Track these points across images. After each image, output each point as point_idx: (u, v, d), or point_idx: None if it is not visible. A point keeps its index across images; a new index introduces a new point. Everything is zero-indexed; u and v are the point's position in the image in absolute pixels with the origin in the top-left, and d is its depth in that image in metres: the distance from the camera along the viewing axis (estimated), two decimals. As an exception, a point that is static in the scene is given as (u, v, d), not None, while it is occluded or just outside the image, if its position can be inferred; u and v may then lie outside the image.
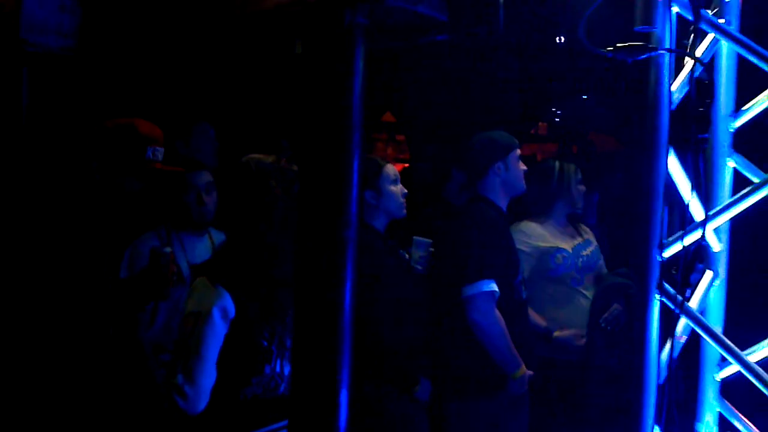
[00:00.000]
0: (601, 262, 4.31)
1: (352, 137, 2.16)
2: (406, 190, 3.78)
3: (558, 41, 5.77)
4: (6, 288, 2.61)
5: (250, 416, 2.72)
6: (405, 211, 3.77)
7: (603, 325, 4.05)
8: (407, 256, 3.92)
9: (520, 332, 3.72)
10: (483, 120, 5.12)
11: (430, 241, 3.88)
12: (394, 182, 3.74)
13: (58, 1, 2.77)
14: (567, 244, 4.20)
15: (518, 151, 3.92)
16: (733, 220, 2.55)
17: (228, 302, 2.64)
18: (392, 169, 3.82)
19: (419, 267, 3.83)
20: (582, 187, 4.31)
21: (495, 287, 3.60)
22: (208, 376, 2.63)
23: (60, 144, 2.82)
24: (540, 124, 7.07)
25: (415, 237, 3.91)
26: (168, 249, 2.99)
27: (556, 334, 4.09)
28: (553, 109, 5.26)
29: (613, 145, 6.46)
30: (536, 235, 4.19)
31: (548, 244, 4.19)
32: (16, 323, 2.59)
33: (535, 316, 4.08)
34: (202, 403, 2.61)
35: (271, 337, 2.70)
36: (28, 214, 2.68)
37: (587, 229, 4.41)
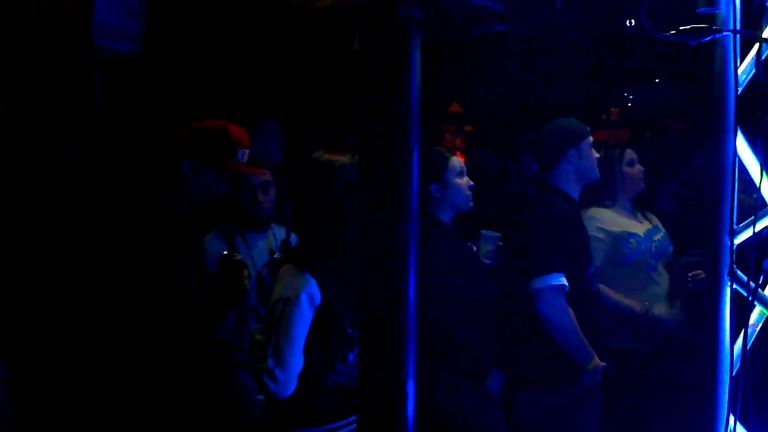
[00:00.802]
0: (672, 248, 4.23)
1: (411, 130, 2.17)
2: (472, 183, 3.76)
3: (629, 25, 5.65)
4: (79, 288, 2.69)
5: (336, 405, 2.78)
6: (472, 203, 3.75)
7: (690, 279, 3.97)
8: (475, 249, 3.90)
9: (592, 324, 3.67)
10: (553, 107, 5.05)
11: (499, 234, 3.86)
12: (460, 174, 3.72)
13: (124, 5, 2.84)
14: (639, 229, 4.14)
15: (591, 138, 3.84)
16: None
17: (314, 289, 2.73)
18: (458, 162, 3.80)
19: (487, 261, 3.82)
20: (634, 170, 4.24)
21: (564, 281, 3.56)
22: (298, 361, 2.72)
23: (133, 145, 2.90)
24: (612, 109, 6.93)
25: (483, 231, 3.89)
26: (238, 256, 3.05)
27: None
28: (625, 94, 5.15)
29: (687, 129, 6.31)
30: (608, 221, 4.13)
31: (621, 229, 4.14)
32: (92, 324, 2.68)
33: (623, 299, 4.02)
34: (292, 386, 2.70)
35: (354, 324, 2.76)
36: (100, 213, 2.77)
37: (653, 216, 4.34)
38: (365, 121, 2.31)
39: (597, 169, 3.79)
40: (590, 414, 3.72)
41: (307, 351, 2.73)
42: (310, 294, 2.73)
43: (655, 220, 4.33)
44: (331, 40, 2.40)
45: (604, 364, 3.63)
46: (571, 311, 3.56)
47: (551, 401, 3.65)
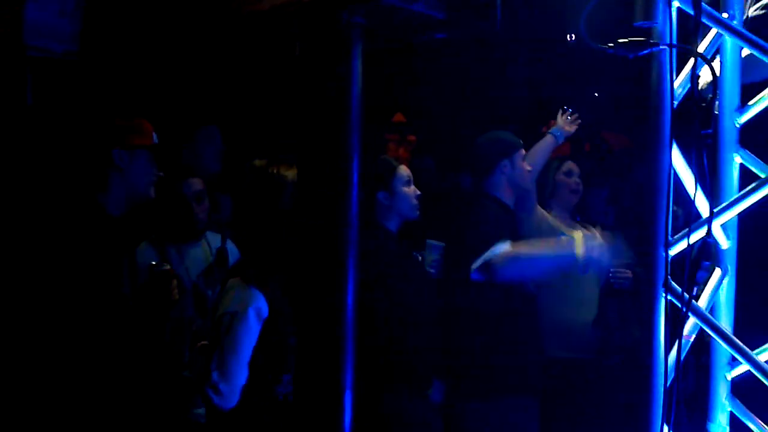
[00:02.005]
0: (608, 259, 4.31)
1: (352, 137, 2.15)
2: (419, 192, 3.80)
3: (569, 39, 5.75)
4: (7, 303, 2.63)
5: (284, 415, 2.77)
6: (418, 212, 3.78)
7: (611, 277, 4.07)
8: (420, 258, 3.92)
9: (528, 328, 3.72)
10: (493, 119, 5.12)
11: (443, 244, 3.89)
12: (407, 183, 3.76)
13: (59, 5, 2.78)
14: (573, 234, 4.25)
15: (523, 152, 3.97)
16: (742, 216, 2.52)
17: (262, 302, 2.75)
18: (405, 170, 3.83)
19: (432, 270, 3.84)
20: (570, 180, 4.36)
21: (497, 248, 3.58)
22: (242, 374, 2.74)
23: (65, 146, 2.84)
24: (551, 122, 7.03)
25: (428, 240, 3.92)
26: (167, 266, 3.00)
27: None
28: (564, 108, 5.25)
29: (626, 142, 6.43)
30: (545, 217, 4.24)
31: (555, 227, 4.27)
32: (18, 329, 2.61)
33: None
34: (235, 399, 2.72)
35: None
36: (31, 217, 2.71)
37: (594, 230, 4.43)
38: (306, 128, 2.28)
39: (529, 181, 3.95)
40: (529, 424, 3.75)
41: (253, 364, 2.73)
42: (257, 308, 2.76)
43: (594, 232, 4.40)
44: (271, 45, 2.37)
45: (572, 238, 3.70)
46: (513, 251, 3.56)
47: (493, 409, 3.67)
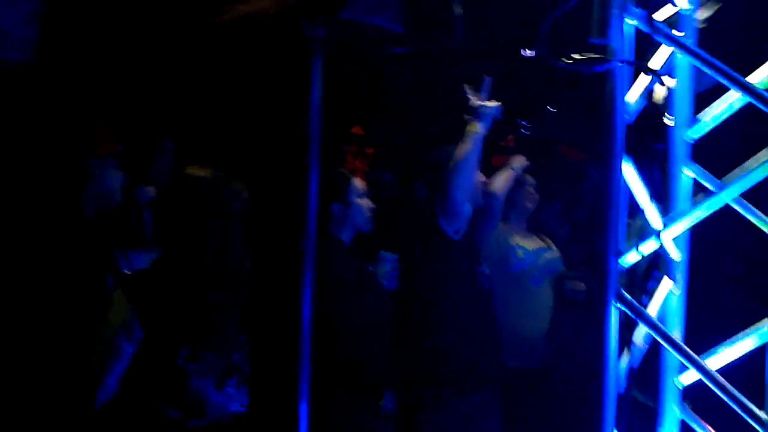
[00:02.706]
0: (563, 270, 4.39)
1: (311, 148, 2.17)
2: (373, 204, 3.81)
3: (523, 53, 5.82)
4: None
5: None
6: (372, 224, 3.80)
7: (567, 291, 4.12)
8: (373, 269, 3.94)
9: (482, 322, 3.77)
10: (450, 133, 5.16)
11: (396, 256, 3.91)
12: (362, 195, 3.77)
13: (15, 14, 2.75)
14: (528, 244, 4.33)
15: None
16: (693, 228, 2.58)
17: (135, 322, 2.65)
18: (360, 183, 3.84)
19: (385, 281, 3.85)
20: (525, 191, 4.42)
21: None
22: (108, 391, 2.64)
23: (19, 159, 2.82)
24: (508, 136, 7.13)
25: (381, 252, 3.93)
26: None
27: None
28: (520, 121, 5.32)
29: (580, 156, 6.53)
30: (502, 230, 4.27)
31: (511, 241, 4.34)
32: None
33: None
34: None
35: (190, 357, 2.69)
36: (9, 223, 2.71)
37: (549, 241, 4.50)
38: (265, 139, 2.29)
39: (479, 194, 3.95)
40: (486, 424, 3.79)
41: (130, 381, 2.67)
42: (128, 327, 2.67)
43: (550, 244, 4.48)
44: (233, 56, 2.38)
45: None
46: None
47: (446, 414, 3.70)
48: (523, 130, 5.58)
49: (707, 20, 2.70)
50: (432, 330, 3.74)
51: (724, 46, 2.60)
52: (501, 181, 4.18)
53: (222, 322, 2.69)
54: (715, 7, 2.71)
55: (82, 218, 2.81)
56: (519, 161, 4.30)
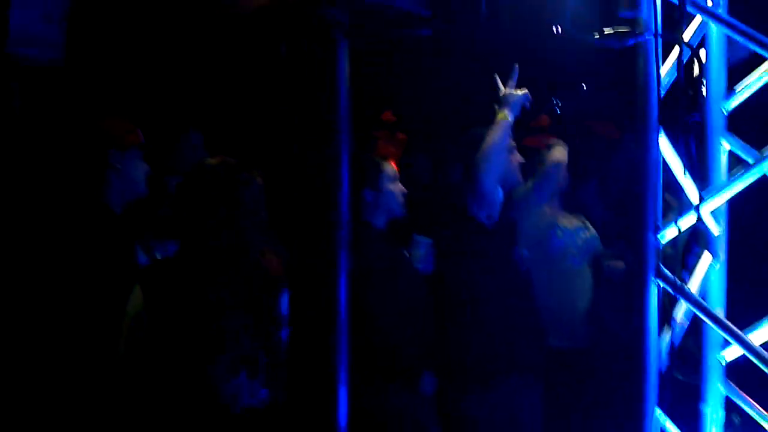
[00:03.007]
0: (600, 249, 4.33)
1: (341, 136, 2.16)
2: (405, 189, 3.80)
3: (555, 31, 5.74)
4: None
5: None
6: (405, 209, 3.79)
7: (606, 270, 4.08)
8: (408, 254, 3.93)
9: (524, 307, 3.73)
10: (483, 115, 5.11)
11: (431, 240, 3.89)
12: (394, 180, 3.76)
13: (43, 12, 2.78)
14: (565, 223, 4.26)
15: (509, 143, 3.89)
16: (732, 202, 2.53)
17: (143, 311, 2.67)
18: (391, 168, 3.83)
19: (420, 265, 3.84)
20: (558, 170, 4.35)
21: None
22: None
23: (54, 155, 2.86)
24: (541, 116, 7.05)
25: (415, 235, 3.92)
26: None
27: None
28: (553, 100, 5.24)
29: (614, 131, 6.44)
30: (540, 210, 4.24)
31: (549, 219, 4.26)
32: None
33: None
34: None
35: (198, 347, 2.69)
36: (37, 221, 2.75)
37: (584, 219, 4.44)
38: (294, 127, 2.29)
39: (517, 175, 3.87)
40: (528, 405, 3.76)
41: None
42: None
43: (586, 222, 4.42)
44: (258, 46, 2.37)
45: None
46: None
47: (486, 397, 3.67)
48: (556, 109, 5.48)
49: None
50: (466, 316, 3.72)
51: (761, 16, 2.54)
52: (559, 152, 4.13)
53: (231, 312, 2.68)
54: None
55: (108, 211, 2.84)
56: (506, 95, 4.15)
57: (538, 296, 3.99)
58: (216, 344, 2.65)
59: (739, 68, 2.53)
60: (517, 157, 3.91)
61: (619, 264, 4.15)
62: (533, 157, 4.37)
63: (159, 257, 3.35)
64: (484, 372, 3.67)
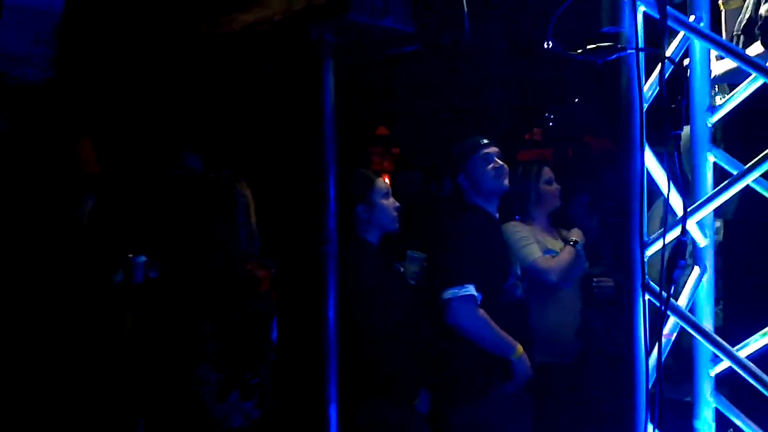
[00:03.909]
0: (587, 264, 4.33)
1: (327, 151, 2.17)
2: (398, 204, 3.81)
3: (545, 46, 5.77)
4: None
5: None
6: (398, 224, 3.80)
7: (594, 286, 4.15)
8: (402, 269, 3.93)
9: (515, 335, 3.73)
10: (476, 128, 5.15)
11: (424, 255, 3.90)
12: (386, 196, 3.78)
13: (34, 32, 2.80)
14: (555, 245, 4.24)
15: (484, 152, 3.89)
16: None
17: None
18: (384, 183, 3.85)
19: (413, 281, 3.85)
20: (551, 188, 4.35)
21: (473, 290, 3.64)
22: None
23: (41, 174, 2.88)
24: (534, 129, 7.11)
25: (408, 251, 3.93)
26: None
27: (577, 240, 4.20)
28: (546, 114, 5.28)
29: (608, 146, 6.47)
30: (525, 234, 4.21)
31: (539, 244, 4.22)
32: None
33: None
34: None
35: (189, 368, 2.67)
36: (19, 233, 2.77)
37: (575, 231, 4.43)
38: (280, 144, 2.30)
39: (496, 182, 3.86)
40: (520, 422, 3.75)
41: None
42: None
43: (577, 234, 4.41)
44: (244, 65, 2.39)
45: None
46: (480, 313, 3.64)
47: (479, 411, 3.67)
48: (549, 122, 5.51)
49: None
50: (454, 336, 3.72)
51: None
52: (560, 261, 4.15)
53: (221, 332, 2.67)
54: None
55: (85, 231, 2.85)
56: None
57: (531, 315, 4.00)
58: (208, 364, 2.65)
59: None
60: (496, 163, 3.89)
61: (607, 281, 4.15)
62: (528, 171, 4.38)
63: (151, 277, 3.35)
64: (476, 387, 3.67)
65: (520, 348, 3.67)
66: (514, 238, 4.14)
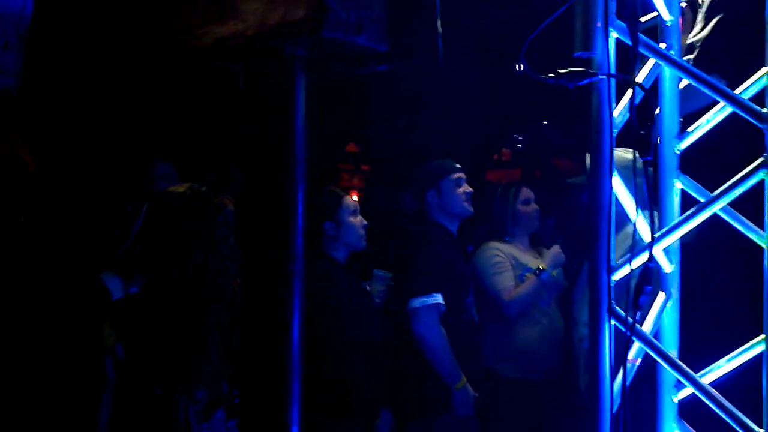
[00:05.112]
0: (567, 284, 4.36)
1: (297, 169, 2.15)
2: (366, 222, 3.81)
3: (518, 68, 5.81)
4: None
5: None
6: (365, 242, 3.80)
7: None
8: (368, 288, 3.93)
9: (467, 352, 3.78)
10: (444, 147, 5.18)
11: (390, 274, 3.92)
12: (354, 213, 3.78)
13: (2, 39, 2.76)
14: (534, 264, 4.28)
15: (455, 176, 4.02)
16: (684, 241, 2.56)
17: (119, 348, 2.60)
18: (352, 201, 3.86)
19: (378, 300, 3.85)
20: (529, 208, 4.41)
21: (440, 300, 3.69)
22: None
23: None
24: (503, 150, 7.17)
25: (375, 270, 3.94)
26: None
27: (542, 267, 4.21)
28: (515, 135, 5.32)
29: (575, 169, 6.54)
30: (506, 253, 4.26)
31: (518, 263, 4.29)
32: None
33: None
34: None
35: (172, 387, 2.61)
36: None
37: (554, 250, 4.47)
38: (250, 160, 2.28)
39: (464, 206, 3.98)
40: None
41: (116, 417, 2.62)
42: (114, 353, 2.62)
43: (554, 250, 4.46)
44: (215, 78, 2.37)
45: (475, 394, 3.76)
46: (443, 330, 3.69)
47: (427, 430, 3.70)
48: (517, 144, 5.56)
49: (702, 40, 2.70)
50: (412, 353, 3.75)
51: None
52: (522, 289, 4.19)
53: (205, 348, 2.62)
54: (707, 27, 2.71)
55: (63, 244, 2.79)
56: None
57: (505, 333, 4.05)
58: (190, 381, 2.60)
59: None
60: (466, 188, 4.01)
61: None
62: (506, 192, 4.43)
63: (131, 292, 3.29)
64: (420, 406, 3.70)
65: (464, 379, 3.74)
66: (490, 262, 4.20)
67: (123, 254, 3.48)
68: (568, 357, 4.16)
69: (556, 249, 4.28)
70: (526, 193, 4.46)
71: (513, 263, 4.23)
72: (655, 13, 2.55)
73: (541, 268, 4.18)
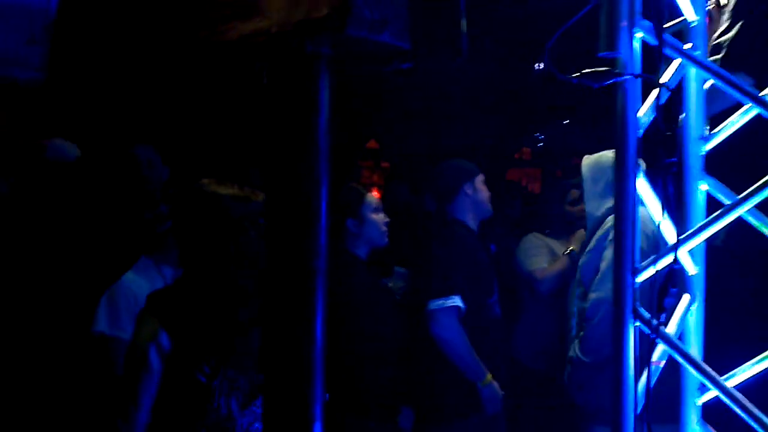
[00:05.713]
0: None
1: (320, 166, 2.15)
2: (387, 219, 3.81)
3: (537, 67, 5.79)
4: None
5: None
6: (387, 239, 3.80)
7: None
8: (390, 285, 3.93)
9: (493, 350, 3.77)
10: (465, 146, 5.16)
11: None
12: (376, 210, 3.78)
13: (27, 34, 2.77)
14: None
15: (482, 177, 4.05)
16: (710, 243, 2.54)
17: (164, 337, 2.60)
18: (374, 198, 3.85)
19: (399, 297, 3.85)
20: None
21: (459, 302, 3.68)
22: (143, 423, 2.60)
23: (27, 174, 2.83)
24: (523, 149, 7.15)
25: (396, 267, 3.94)
26: None
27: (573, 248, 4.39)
28: (535, 134, 5.30)
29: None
30: (545, 242, 4.42)
31: (553, 253, 4.55)
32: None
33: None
34: None
35: (213, 375, 2.64)
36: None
37: (578, 235, 4.58)
38: (274, 157, 2.28)
39: (489, 205, 4.05)
40: None
41: (159, 403, 2.62)
42: (159, 343, 2.61)
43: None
44: (239, 74, 2.37)
45: (501, 393, 3.74)
46: (462, 329, 3.69)
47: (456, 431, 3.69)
48: (538, 142, 5.58)
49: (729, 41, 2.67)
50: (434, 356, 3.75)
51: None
52: (554, 268, 4.29)
53: (246, 340, 2.65)
54: (734, 27, 2.68)
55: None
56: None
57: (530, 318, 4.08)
58: (230, 370, 2.62)
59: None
60: (485, 190, 4.03)
61: None
62: (514, 190, 4.52)
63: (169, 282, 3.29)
64: (458, 408, 3.67)
65: (489, 376, 3.72)
66: (527, 246, 4.47)
67: (162, 233, 3.45)
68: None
69: (581, 232, 4.34)
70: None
71: (549, 251, 4.30)
72: (681, 18, 2.52)
73: (572, 248, 4.30)
